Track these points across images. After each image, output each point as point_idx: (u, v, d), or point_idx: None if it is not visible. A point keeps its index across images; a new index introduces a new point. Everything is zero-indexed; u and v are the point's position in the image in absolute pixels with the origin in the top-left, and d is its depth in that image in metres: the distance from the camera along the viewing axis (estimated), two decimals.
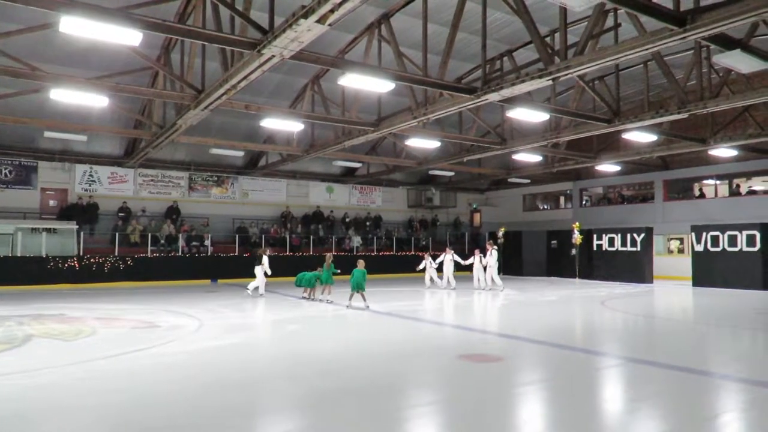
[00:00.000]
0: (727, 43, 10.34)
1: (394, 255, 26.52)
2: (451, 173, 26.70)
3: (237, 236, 23.16)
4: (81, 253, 19.47)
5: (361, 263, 12.77)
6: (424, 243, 28.38)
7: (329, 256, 14.16)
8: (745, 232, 18.66)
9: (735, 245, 18.85)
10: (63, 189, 21.39)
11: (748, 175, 22.50)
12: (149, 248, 20.87)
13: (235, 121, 20.94)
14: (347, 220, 27.46)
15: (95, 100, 12.87)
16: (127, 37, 8.84)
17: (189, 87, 12.84)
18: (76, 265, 18.83)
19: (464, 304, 14.52)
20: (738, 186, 22.77)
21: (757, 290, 17.77)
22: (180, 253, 21.45)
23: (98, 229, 21.23)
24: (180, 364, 6.87)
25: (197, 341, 8.45)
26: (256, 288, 15.36)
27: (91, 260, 19.11)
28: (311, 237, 25.01)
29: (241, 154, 23.16)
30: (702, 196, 23.80)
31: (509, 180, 28.35)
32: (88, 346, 8.00)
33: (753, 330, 10.20)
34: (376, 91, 13.39)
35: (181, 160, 23.82)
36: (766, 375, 6.56)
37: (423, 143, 18.81)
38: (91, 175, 21.95)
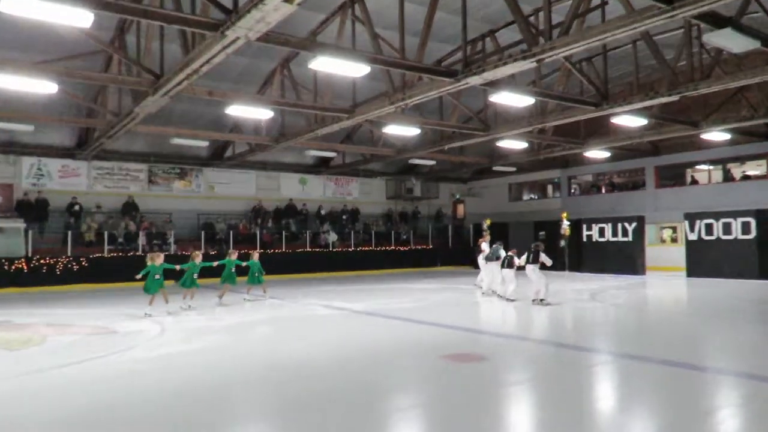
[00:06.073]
0: (717, 21, 10.47)
1: (372, 250, 26.55)
2: (432, 162, 26.72)
3: (203, 233, 22.92)
4: (29, 254, 19.05)
5: (255, 254, 15.38)
6: (405, 237, 28.46)
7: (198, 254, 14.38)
8: (739, 219, 19.09)
9: (730, 233, 19.28)
10: (8, 184, 20.84)
11: (742, 159, 22.96)
12: (106, 247, 20.52)
13: (198, 109, 20.65)
14: (322, 213, 27.32)
15: (42, 87, 12.53)
16: (77, 18, 8.61)
17: (146, 72, 12.61)
18: (25, 267, 18.42)
19: (445, 301, 14.59)
20: (730, 171, 23.23)
21: (754, 279, 18.21)
22: (140, 252, 21.13)
23: (49, 228, 20.77)
24: (141, 373, 6.77)
25: (159, 347, 8.35)
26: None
27: (41, 261, 18.72)
28: (283, 233, 24.85)
29: (205, 144, 22.84)
30: (695, 182, 24.26)
31: (494, 169, 28.51)
32: (39, 355, 7.85)
33: (751, 323, 10.45)
34: (350, 75, 13.28)
35: (140, 151, 23.41)
36: (763, 369, 6.73)
37: (401, 131, 18.79)
38: (39, 169, 21.45)
